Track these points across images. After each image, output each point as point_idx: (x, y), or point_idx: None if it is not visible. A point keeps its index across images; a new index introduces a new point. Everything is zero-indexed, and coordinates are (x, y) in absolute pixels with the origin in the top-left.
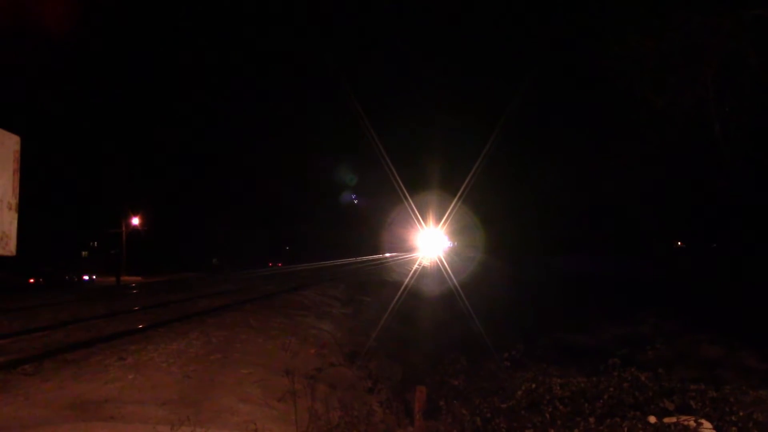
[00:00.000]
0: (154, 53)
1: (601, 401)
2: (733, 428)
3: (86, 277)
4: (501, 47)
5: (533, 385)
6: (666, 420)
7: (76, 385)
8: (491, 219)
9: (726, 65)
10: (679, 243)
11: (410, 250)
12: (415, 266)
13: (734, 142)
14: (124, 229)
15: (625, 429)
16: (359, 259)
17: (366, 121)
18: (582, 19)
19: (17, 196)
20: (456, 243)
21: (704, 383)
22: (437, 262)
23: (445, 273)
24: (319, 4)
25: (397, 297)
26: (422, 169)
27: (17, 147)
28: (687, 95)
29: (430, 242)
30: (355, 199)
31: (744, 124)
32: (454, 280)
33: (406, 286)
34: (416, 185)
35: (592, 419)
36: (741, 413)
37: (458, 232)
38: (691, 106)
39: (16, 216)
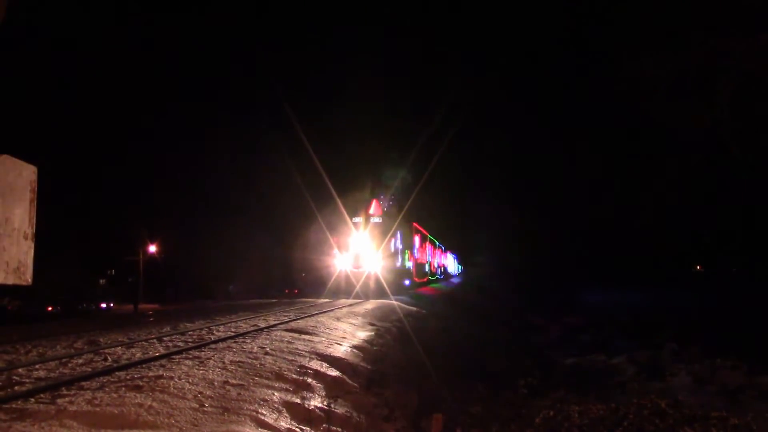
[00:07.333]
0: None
1: (621, 428)
2: None
3: (104, 305)
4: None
5: (551, 413)
6: None
7: (92, 413)
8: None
9: (742, 87)
10: (698, 267)
11: None
12: None
13: (752, 163)
14: (141, 256)
15: None
16: None
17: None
18: (597, 41)
19: (33, 226)
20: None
21: (726, 410)
22: None
23: None
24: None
25: (411, 323)
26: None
27: (34, 177)
28: (703, 117)
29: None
30: None
31: (762, 146)
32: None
33: (421, 310)
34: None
35: None
36: None
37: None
38: (707, 128)
39: (32, 245)
